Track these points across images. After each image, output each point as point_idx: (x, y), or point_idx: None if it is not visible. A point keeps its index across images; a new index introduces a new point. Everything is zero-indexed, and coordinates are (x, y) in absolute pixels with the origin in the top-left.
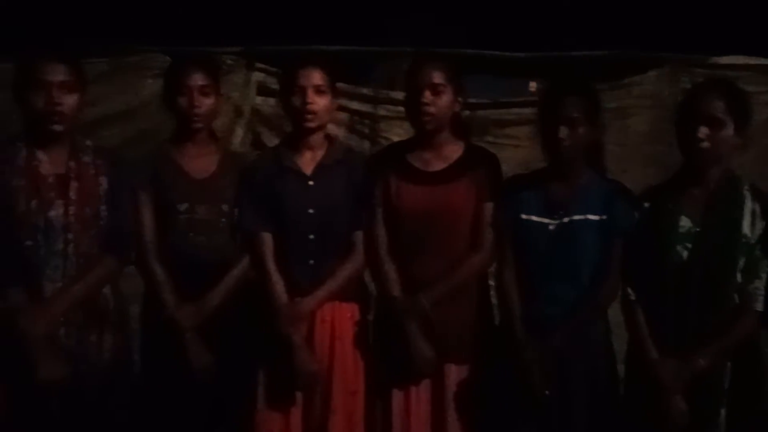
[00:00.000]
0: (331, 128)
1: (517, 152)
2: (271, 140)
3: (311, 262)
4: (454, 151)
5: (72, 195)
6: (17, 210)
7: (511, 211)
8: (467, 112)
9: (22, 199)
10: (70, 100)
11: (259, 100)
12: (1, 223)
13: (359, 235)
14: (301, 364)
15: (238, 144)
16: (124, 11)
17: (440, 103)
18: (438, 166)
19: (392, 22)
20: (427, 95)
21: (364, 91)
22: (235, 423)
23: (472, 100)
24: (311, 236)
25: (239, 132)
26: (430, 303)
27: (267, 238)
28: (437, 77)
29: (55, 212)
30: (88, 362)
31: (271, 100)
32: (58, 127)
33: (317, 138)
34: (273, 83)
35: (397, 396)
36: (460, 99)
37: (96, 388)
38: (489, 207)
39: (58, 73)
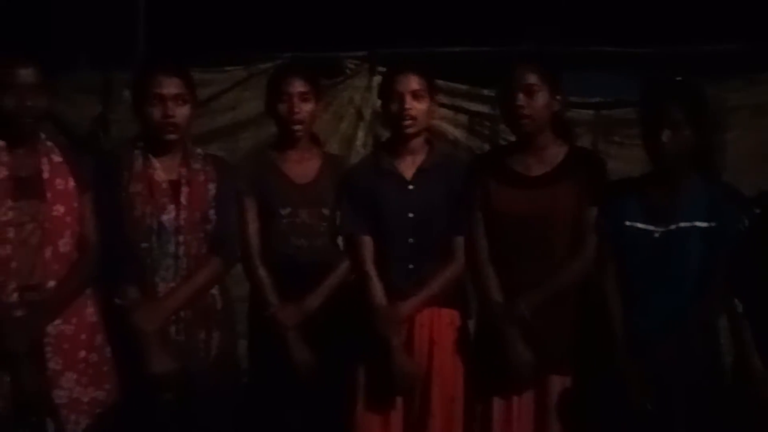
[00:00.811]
0: (451, 130)
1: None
2: None
3: (410, 266)
4: (556, 154)
5: (183, 200)
6: (134, 214)
7: (615, 216)
8: (590, 112)
9: (138, 204)
10: (183, 112)
11: (380, 103)
12: (120, 226)
13: (459, 240)
14: (399, 367)
15: (360, 147)
16: (259, 20)
17: (536, 104)
18: (540, 170)
19: (513, 22)
20: (522, 97)
21: (485, 92)
22: (336, 423)
23: (595, 99)
24: (410, 240)
25: (360, 135)
26: (530, 309)
27: (367, 242)
28: (531, 78)
29: (168, 216)
30: (197, 358)
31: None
32: (172, 137)
33: (417, 142)
34: None
35: (497, 404)
36: (558, 98)
37: (204, 383)
38: (592, 212)
39: (173, 87)
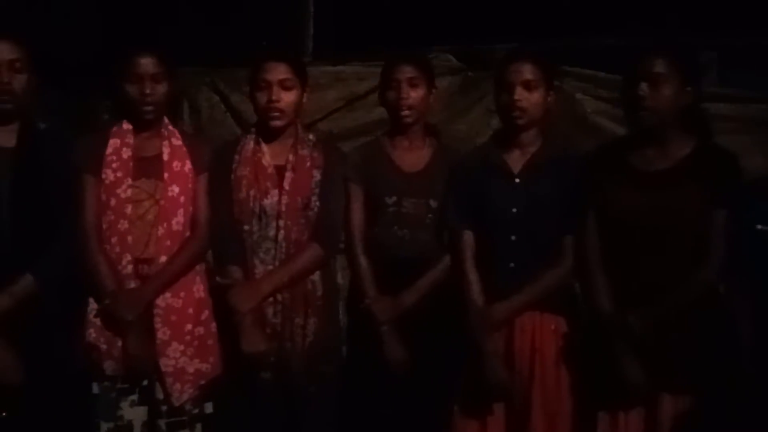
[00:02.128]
0: (607, 123)
1: None
2: None
3: (512, 265)
4: (681, 148)
5: (286, 185)
6: (240, 196)
7: (746, 220)
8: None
9: (244, 187)
10: (289, 97)
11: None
12: (228, 208)
13: (568, 240)
14: (491, 373)
15: None
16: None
17: (658, 95)
18: (661, 165)
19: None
20: (644, 87)
21: None
22: (433, 425)
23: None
24: (513, 237)
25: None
26: (644, 322)
27: (468, 237)
28: (658, 66)
29: (270, 200)
30: (292, 342)
31: None
32: (277, 122)
33: (529, 135)
34: None
35: (603, 421)
36: (689, 89)
37: (300, 367)
38: (721, 215)
39: (279, 72)
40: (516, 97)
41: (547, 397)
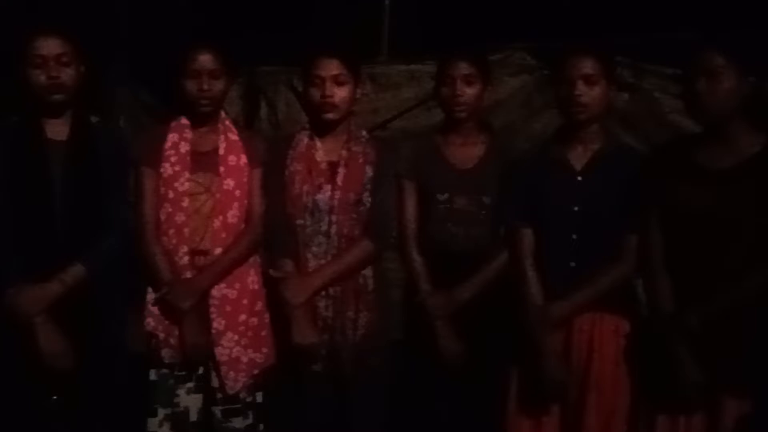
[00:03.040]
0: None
1: None
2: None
3: (572, 264)
4: (751, 145)
5: (339, 181)
6: (293, 191)
7: None
8: None
9: (297, 182)
10: (342, 93)
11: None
12: (281, 202)
13: (630, 239)
14: (548, 372)
15: None
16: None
17: (719, 88)
18: (728, 162)
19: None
20: (702, 82)
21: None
22: (487, 421)
23: None
24: (574, 236)
25: None
26: (703, 321)
27: (527, 234)
28: (717, 60)
29: (322, 196)
30: (343, 336)
31: (625, 95)
32: (329, 116)
33: (592, 130)
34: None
35: (662, 424)
36: (752, 79)
37: (350, 360)
38: None
39: (332, 68)
40: (576, 92)
41: (603, 398)
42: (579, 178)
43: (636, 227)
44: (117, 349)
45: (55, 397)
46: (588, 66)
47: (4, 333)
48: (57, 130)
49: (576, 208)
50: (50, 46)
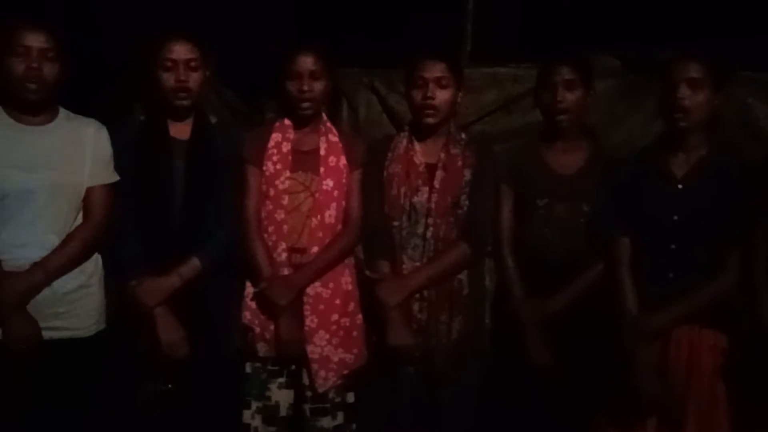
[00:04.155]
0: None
1: None
2: None
3: (670, 274)
4: None
5: (436, 184)
6: (391, 193)
7: None
8: None
9: (395, 184)
10: (444, 95)
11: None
12: (378, 204)
13: (733, 253)
14: (642, 386)
15: None
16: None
17: None
18: None
19: None
20: None
21: None
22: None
23: None
24: (672, 246)
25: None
26: None
27: (624, 244)
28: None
29: (420, 198)
30: (437, 339)
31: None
32: (431, 120)
33: (695, 138)
34: None
35: None
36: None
37: (444, 363)
38: None
39: (436, 71)
40: (679, 95)
41: (701, 414)
42: (680, 187)
43: (739, 240)
44: (221, 341)
45: (169, 386)
46: (693, 69)
47: (125, 322)
48: (180, 129)
49: (676, 218)
50: (181, 51)
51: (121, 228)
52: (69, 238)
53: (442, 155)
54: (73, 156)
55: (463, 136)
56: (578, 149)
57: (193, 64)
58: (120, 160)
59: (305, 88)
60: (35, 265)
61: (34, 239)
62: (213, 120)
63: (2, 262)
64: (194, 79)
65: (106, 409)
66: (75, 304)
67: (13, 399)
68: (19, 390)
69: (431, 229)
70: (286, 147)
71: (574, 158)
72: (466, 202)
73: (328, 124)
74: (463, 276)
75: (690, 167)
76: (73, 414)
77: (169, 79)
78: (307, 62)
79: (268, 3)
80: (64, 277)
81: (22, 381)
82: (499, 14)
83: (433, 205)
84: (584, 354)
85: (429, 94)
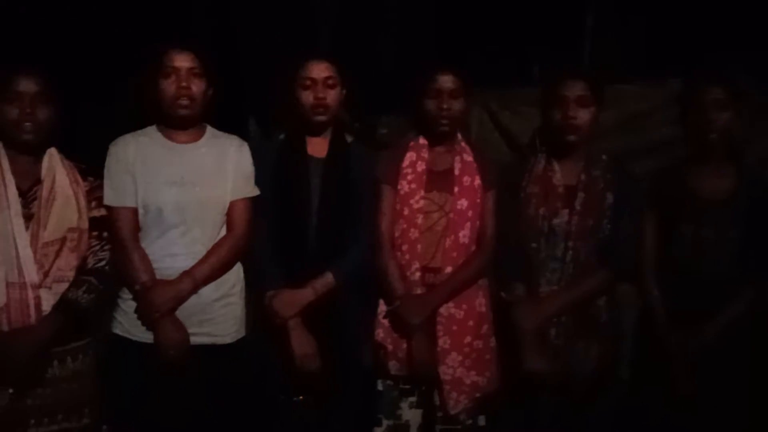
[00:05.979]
0: None
1: None
2: None
3: None
4: None
5: (577, 206)
6: (528, 214)
7: None
8: None
9: (533, 205)
10: (585, 115)
11: None
12: (516, 225)
13: None
14: None
15: None
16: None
17: None
18: None
19: None
20: None
21: None
22: None
23: None
24: None
25: None
26: None
27: None
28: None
29: (559, 220)
30: (574, 366)
31: None
32: (573, 138)
33: None
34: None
35: None
36: None
37: (581, 392)
38: None
39: (578, 89)
40: None
41: None
42: None
43: None
44: (353, 356)
45: (301, 398)
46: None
47: (263, 333)
48: (318, 147)
49: None
50: (320, 70)
51: (261, 240)
52: (214, 248)
53: (583, 177)
54: (218, 172)
55: (604, 157)
56: (727, 175)
57: (330, 81)
58: (261, 176)
59: (444, 106)
60: (184, 274)
61: (184, 250)
62: (349, 139)
63: (155, 270)
64: (331, 96)
65: (242, 415)
66: (218, 312)
67: (160, 399)
68: (164, 392)
69: (570, 252)
70: (420, 166)
71: (723, 183)
72: (608, 226)
73: (463, 143)
74: (601, 302)
75: None
76: (213, 417)
77: (308, 96)
78: (447, 81)
79: (383, 21)
80: (209, 286)
81: (169, 383)
82: (619, 32)
83: (573, 228)
84: (726, 381)
85: (570, 113)
